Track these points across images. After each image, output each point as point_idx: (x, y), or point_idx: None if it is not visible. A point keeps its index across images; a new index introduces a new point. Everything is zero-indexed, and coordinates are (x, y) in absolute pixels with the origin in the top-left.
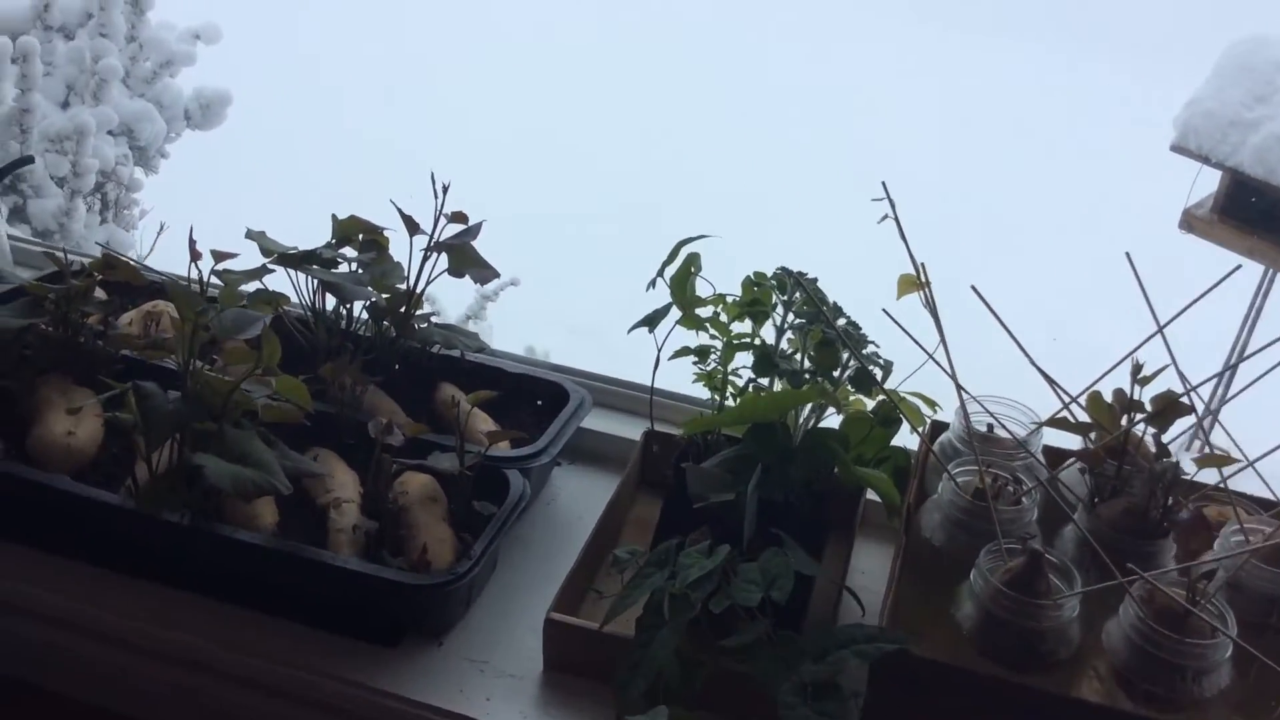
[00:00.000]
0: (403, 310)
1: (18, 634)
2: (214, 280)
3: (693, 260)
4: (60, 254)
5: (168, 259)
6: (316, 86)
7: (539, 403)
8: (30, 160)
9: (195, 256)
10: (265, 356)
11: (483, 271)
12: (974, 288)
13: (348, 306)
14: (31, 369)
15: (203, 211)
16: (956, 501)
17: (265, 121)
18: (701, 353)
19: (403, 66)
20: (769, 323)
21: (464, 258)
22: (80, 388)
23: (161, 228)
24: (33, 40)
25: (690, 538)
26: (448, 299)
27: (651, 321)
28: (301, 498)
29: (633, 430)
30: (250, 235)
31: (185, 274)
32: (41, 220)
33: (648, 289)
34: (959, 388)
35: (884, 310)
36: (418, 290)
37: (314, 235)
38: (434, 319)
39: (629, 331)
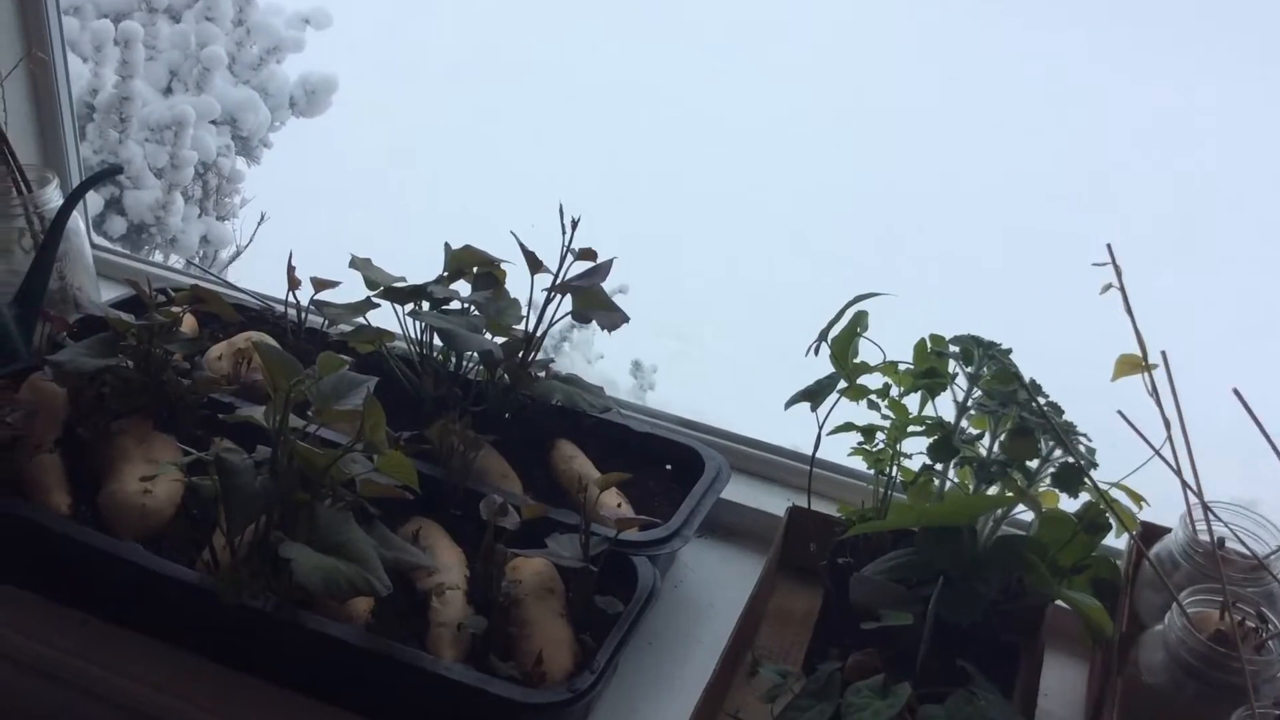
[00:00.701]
0: (520, 357)
1: (67, 707)
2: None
3: (860, 320)
4: (145, 284)
5: (266, 254)
6: (430, 80)
7: (668, 467)
8: (119, 170)
9: (294, 285)
10: (367, 430)
11: (611, 316)
12: (1236, 392)
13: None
14: (107, 414)
15: (303, 203)
16: (1189, 643)
17: (370, 111)
18: (868, 433)
19: (534, 72)
20: (946, 394)
21: (591, 300)
22: (161, 435)
23: (262, 218)
24: (135, 25)
25: (854, 660)
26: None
27: (814, 397)
28: (400, 576)
29: (774, 502)
30: (355, 264)
31: (283, 299)
32: (138, 213)
33: (807, 354)
34: (1197, 496)
35: (1119, 413)
36: (537, 334)
37: (415, 235)
38: (552, 366)
39: (787, 407)
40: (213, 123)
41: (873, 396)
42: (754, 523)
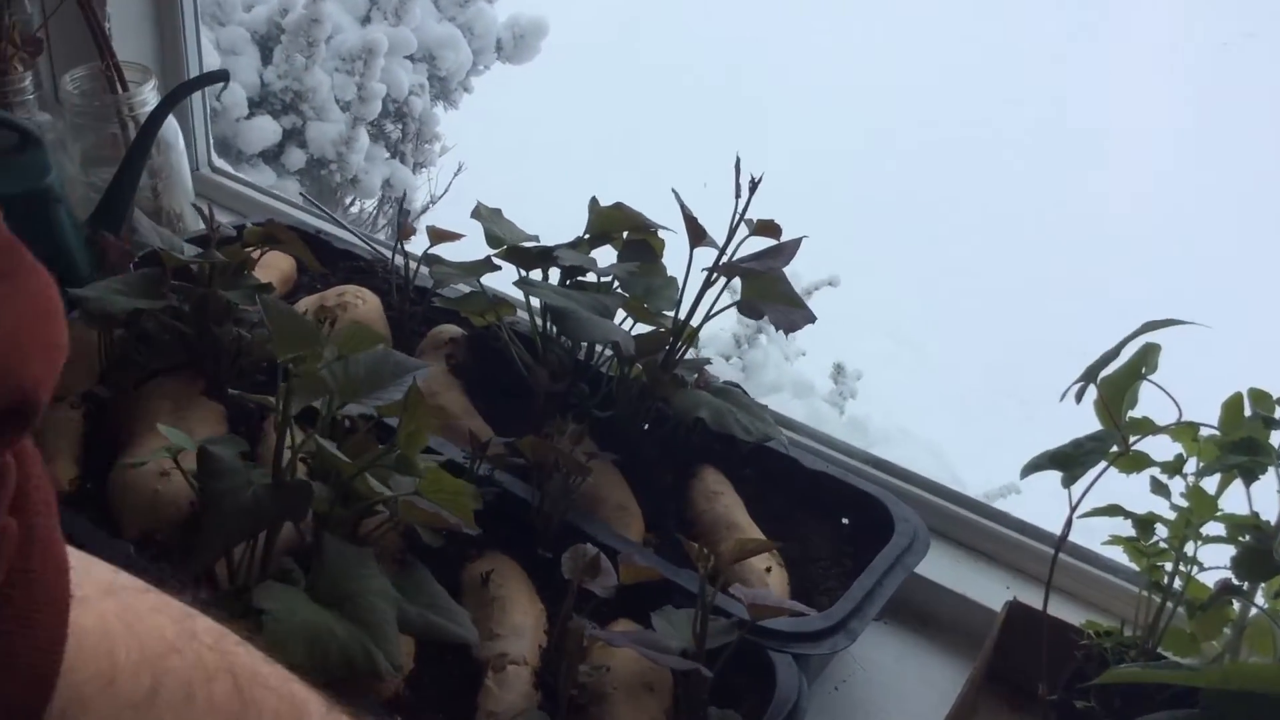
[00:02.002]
0: (665, 352)
1: None
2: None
3: (1147, 358)
4: (207, 211)
5: (463, 206)
6: (647, 32)
7: (844, 521)
8: (225, 77)
9: (405, 234)
10: (401, 440)
11: (791, 313)
12: None
13: None
14: (136, 371)
15: (501, 155)
16: None
17: (580, 61)
18: (1144, 526)
19: (749, 32)
20: (1268, 478)
21: (767, 289)
22: (210, 404)
23: (459, 168)
24: None
25: None
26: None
27: (1069, 466)
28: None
29: (988, 588)
30: (479, 214)
31: (391, 254)
32: (319, 146)
33: (1063, 399)
34: None
35: None
36: (690, 323)
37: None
38: (708, 370)
39: (1025, 475)
40: (408, 58)
41: (1157, 472)
42: (956, 613)
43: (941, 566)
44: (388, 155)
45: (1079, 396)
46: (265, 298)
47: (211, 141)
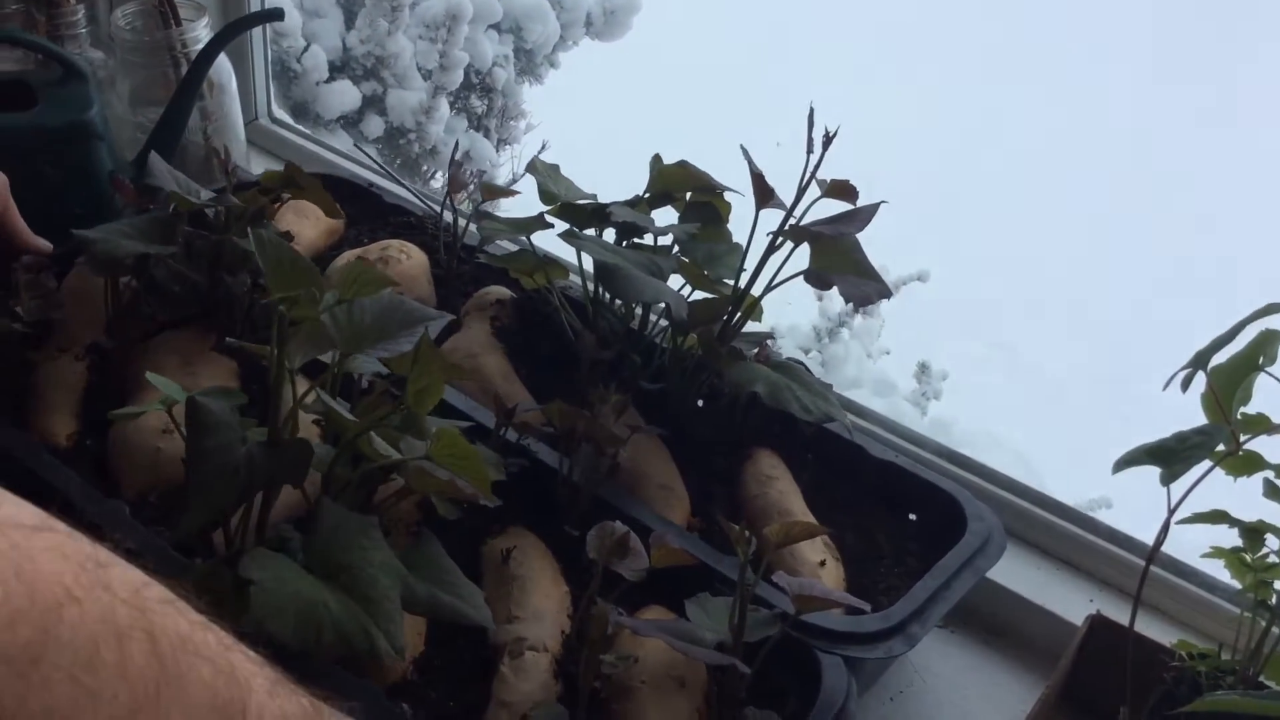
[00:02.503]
0: (723, 322)
1: None
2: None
3: (1265, 346)
4: (223, 160)
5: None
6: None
7: (912, 516)
8: (279, 15)
9: (456, 188)
10: (409, 397)
11: (864, 285)
12: None
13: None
14: (143, 323)
15: (586, 134)
16: None
17: (673, 40)
18: (1253, 536)
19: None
20: None
21: (837, 257)
22: (222, 360)
23: (543, 146)
24: None
25: None
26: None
27: (1170, 461)
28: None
29: (1069, 599)
30: (534, 168)
31: (439, 210)
32: (399, 114)
33: (1167, 386)
34: None
35: None
36: (751, 291)
37: None
38: (770, 345)
39: (1118, 469)
40: (494, 28)
41: (1271, 475)
42: (1032, 626)
43: (1018, 573)
44: (468, 127)
45: (1185, 384)
46: (258, 230)
47: (272, 92)
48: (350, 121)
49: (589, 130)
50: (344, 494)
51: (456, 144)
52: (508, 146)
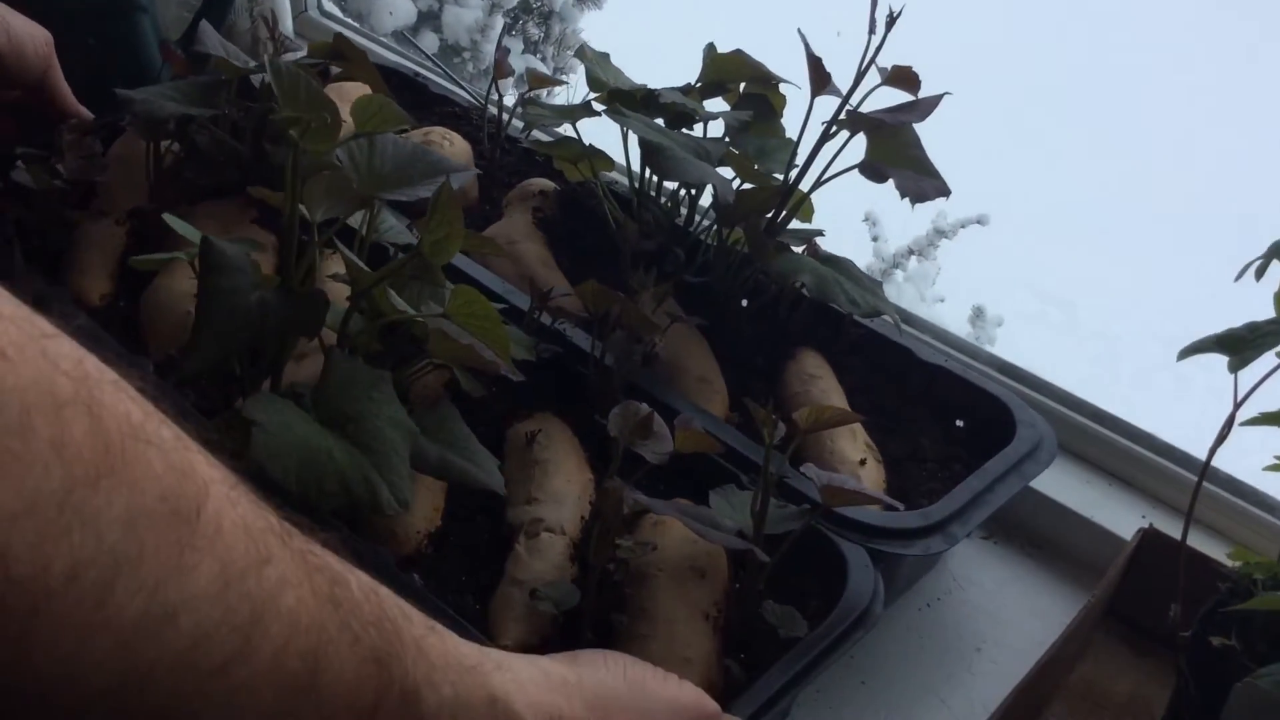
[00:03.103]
0: (770, 217)
1: None
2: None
3: None
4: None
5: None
6: None
7: (959, 423)
8: None
9: (501, 74)
10: (425, 245)
11: (921, 181)
12: None
13: (691, 193)
14: (184, 188)
15: (644, 62)
16: None
17: None
18: None
19: None
20: None
21: (894, 149)
22: (261, 231)
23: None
24: None
25: None
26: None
27: (1237, 348)
28: (486, 497)
29: (1119, 513)
30: (583, 54)
31: (483, 101)
32: (454, 32)
33: (1239, 278)
34: None
35: None
36: (799, 186)
37: None
38: (819, 240)
39: (1184, 356)
40: None
41: None
42: (1078, 538)
43: (1066, 486)
44: (523, 51)
45: (1259, 273)
46: (274, 59)
47: None
48: (404, 38)
49: (646, 64)
50: (360, 352)
51: (502, 31)
52: (561, 74)
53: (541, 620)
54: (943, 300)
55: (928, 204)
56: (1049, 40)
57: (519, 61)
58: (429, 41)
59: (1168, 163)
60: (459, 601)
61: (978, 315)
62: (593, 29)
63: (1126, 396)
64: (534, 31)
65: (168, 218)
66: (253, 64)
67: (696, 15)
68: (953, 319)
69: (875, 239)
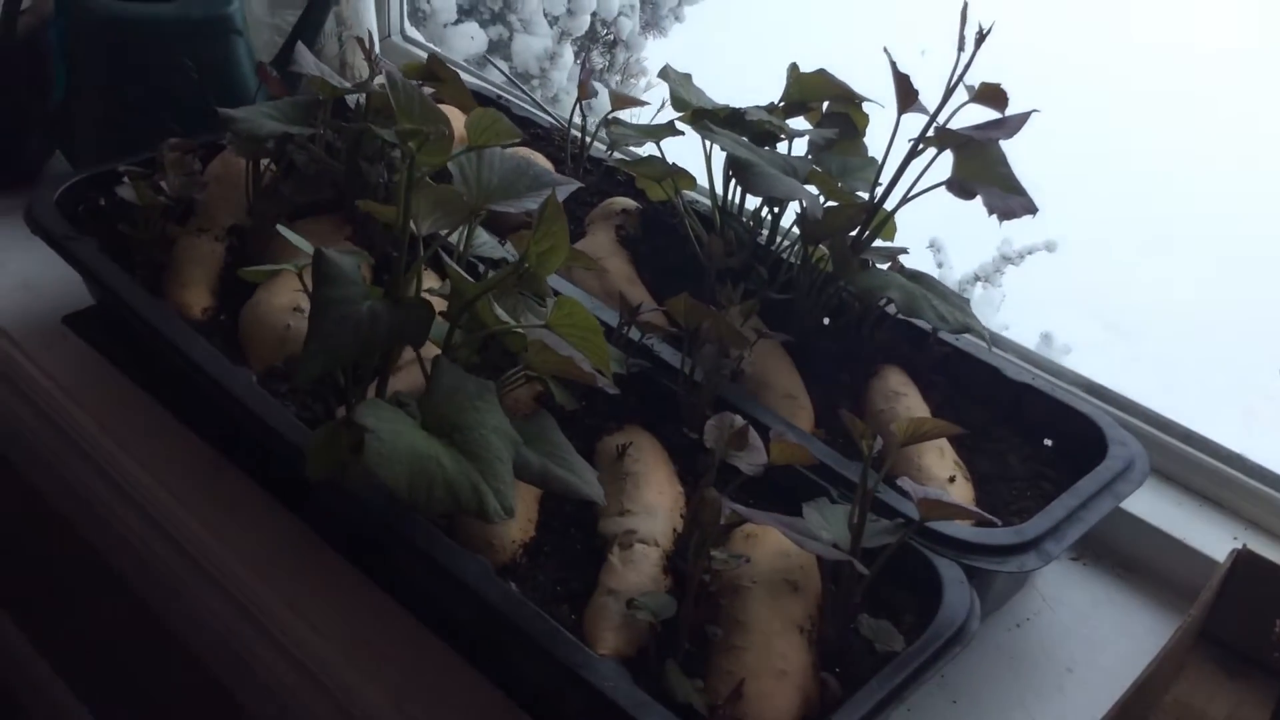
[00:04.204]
0: (854, 234)
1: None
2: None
3: None
4: (361, 44)
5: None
6: None
7: (1048, 442)
8: None
9: (584, 94)
10: (531, 256)
11: (1008, 199)
12: None
13: (774, 211)
14: (282, 206)
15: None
16: None
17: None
18: None
19: None
20: None
21: (982, 166)
22: (355, 249)
23: (663, 104)
24: None
25: None
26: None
27: None
28: (578, 507)
29: (1212, 535)
30: (666, 75)
31: (569, 118)
32: (523, 60)
33: None
34: None
35: None
36: (887, 206)
37: None
38: (902, 258)
39: None
40: None
41: None
42: (1169, 560)
43: (1158, 507)
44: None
45: None
46: (393, 74)
47: (405, 9)
48: (474, 65)
49: (715, 89)
50: (460, 363)
51: (588, 50)
52: (608, 89)
53: (638, 630)
54: (1007, 328)
55: (983, 230)
56: (1125, 64)
57: None
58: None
59: (1237, 191)
60: (555, 610)
61: (1045, 342)
62: (657, 57)
63: (1194, 424)
64: (599, 60)
65: (281, 229)
66: (348, 85)
67: (760, 41)
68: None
69: (940, 265)
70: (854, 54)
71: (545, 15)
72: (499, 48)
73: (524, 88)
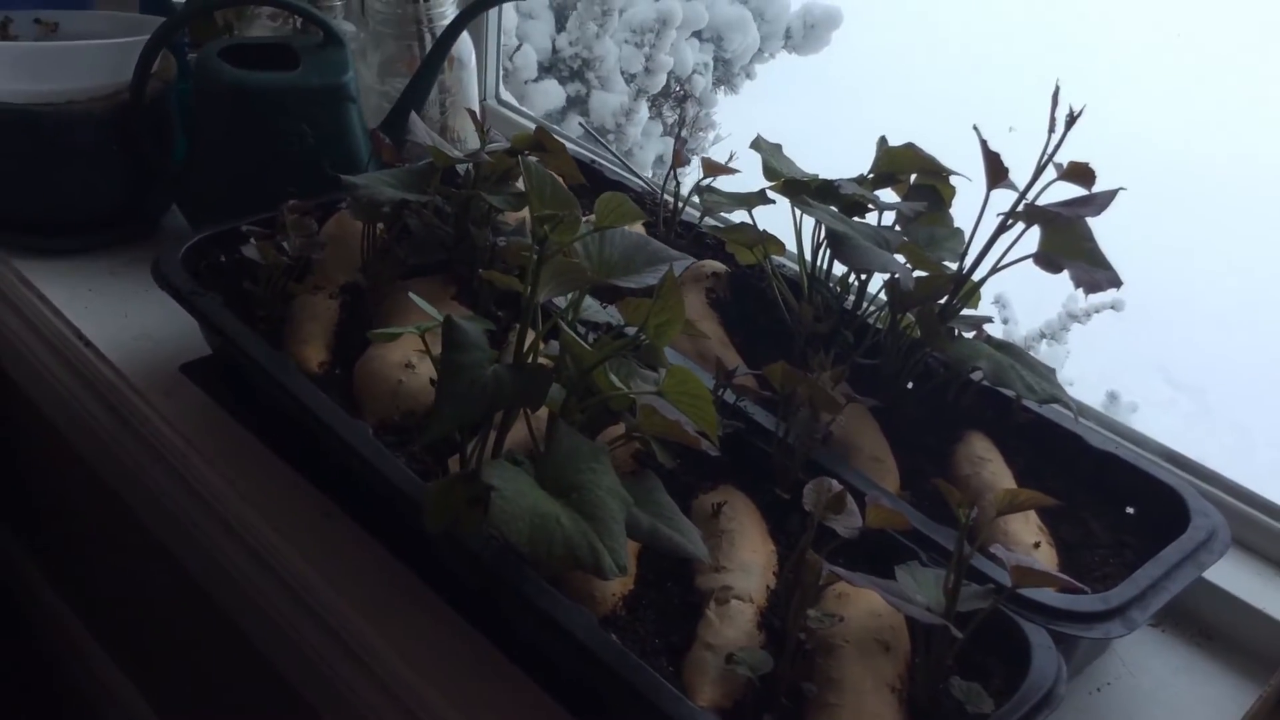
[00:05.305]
0: (943, 303)
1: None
2: (694, 200)
3: None
4: (482, 118)
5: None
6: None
7: (1130, 510)
8: None
9: (679, 162)
10: (650, 328)
11: (1094, 273)
12: None
13: (860, 278)
14: (394, 266)
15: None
16: None
17: (875, 56)
18: None
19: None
20: None
21: (1070, 241)
22: (460, 308)
23: (730, 157)
24: None
25: None
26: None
27: None
28: (675, 564)
29: None
30: (758, 145)
31: (663, 184)
32: (600, 116)
33: None
34: None
35: None
36: (974, 277)
37: None
38: (987, 328)
39: None
40: (696, 35)
41: None
42: (1250, 629)
43: (1238, 577)
44: (662, 133)
45: None
46: (528, 159)
47: (502, 75)
48: (554, 119)
49: (780, 140)
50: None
51: (679, 118)
52: (693, 155)
53: (734, 683)
54: (1072, 384)
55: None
56: (1195, 124)
57: (659, 144)
58: (575, 125)
59: None
60: (654, 662)
61: (1112, 400)
62: (726, 111)
63: (1263, 489)
64: (669, 115)
65: (412, 296)
66: (460, 155)
67: (823, 101)
68: (1086, 405)
69: (1005, 321)
70: (911, 121)
71: (622, 73)
72: (576, 103)
73: (605, 142)
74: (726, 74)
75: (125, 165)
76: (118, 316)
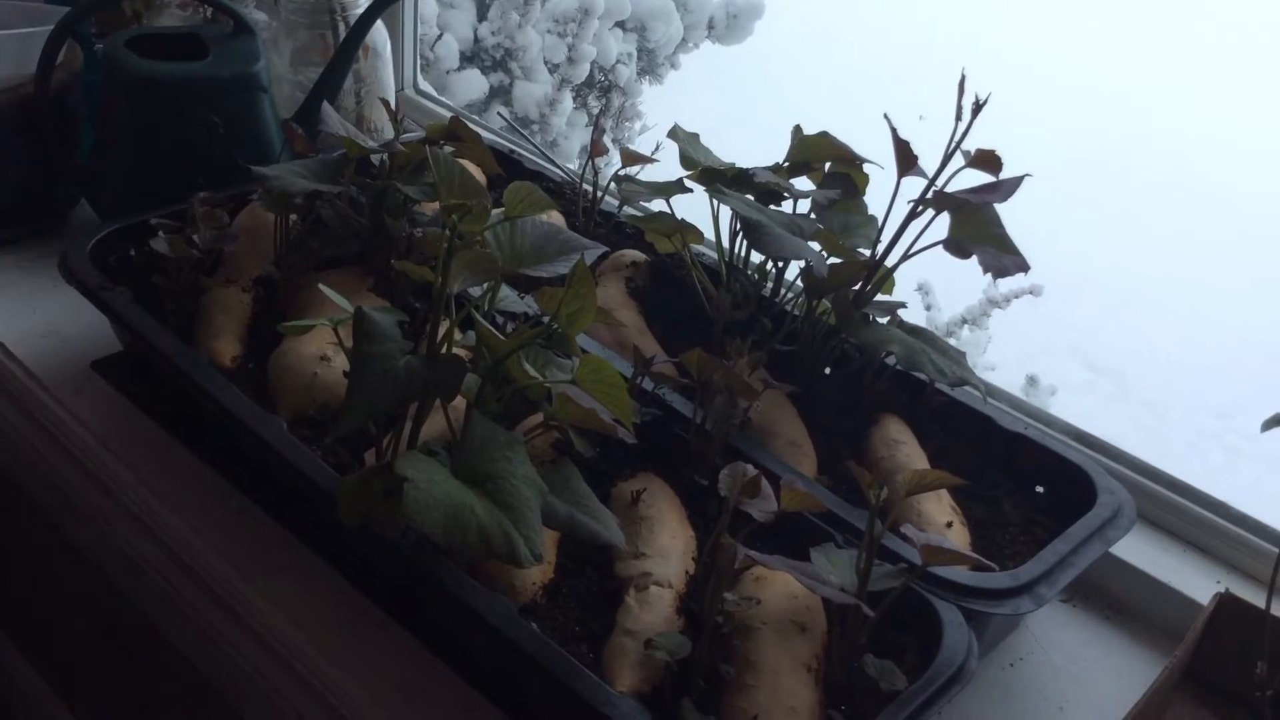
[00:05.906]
0: (857, 289)
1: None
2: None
3: None
4: (395, 108)
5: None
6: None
7: (1039, 489)
8: None
9: (597, 153)
10: (561, 317)
11: (1002, 258)
12: None
13: (778, 266)
14: (308, 258)
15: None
16: None
17: (793, 44)
18: None
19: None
20: None
21: (978, 227)
22: (377, 300)
23: (658, 146)
24: None
25: None
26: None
27: None
28: (595, 551)
29: (1195, 579)
30: (676, 135)
31: (580, 174)
32: (523, 106)
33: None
34: None
35: None
36: (887, 263)
37: None
38: (900, 313)
39: (1265, 429)
40: (619, 25)
41: None
42: (1156, 604)
43: (1144, 552)
44: (587, 123)
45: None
46: (436, 149)
47: (421, 65)
48: (476, 110)
49: (703, 130)
50: (489, 416)
51: (602, 108)
52: (615, 146)
53: (654, 668)
54: (993, 369)
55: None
56: (1102, 108)
57: (584, 135)
58: (496, 114)
59: (1219, 233)
60: (574, 650)
61: (1031, 384)
62: (651, 102)
63: (1178, 466)
64: (594, 105)
65: (322, 287)
66: (374, 145)
67: (747, 91)
68: (1004, 388)
69: (929, 308)
70: (813, 106)
71: (546, 63)
72: (500, 93)
73: (524, 133)
74: (651, 64)
75: (31, 158)
76: (26, 313)
